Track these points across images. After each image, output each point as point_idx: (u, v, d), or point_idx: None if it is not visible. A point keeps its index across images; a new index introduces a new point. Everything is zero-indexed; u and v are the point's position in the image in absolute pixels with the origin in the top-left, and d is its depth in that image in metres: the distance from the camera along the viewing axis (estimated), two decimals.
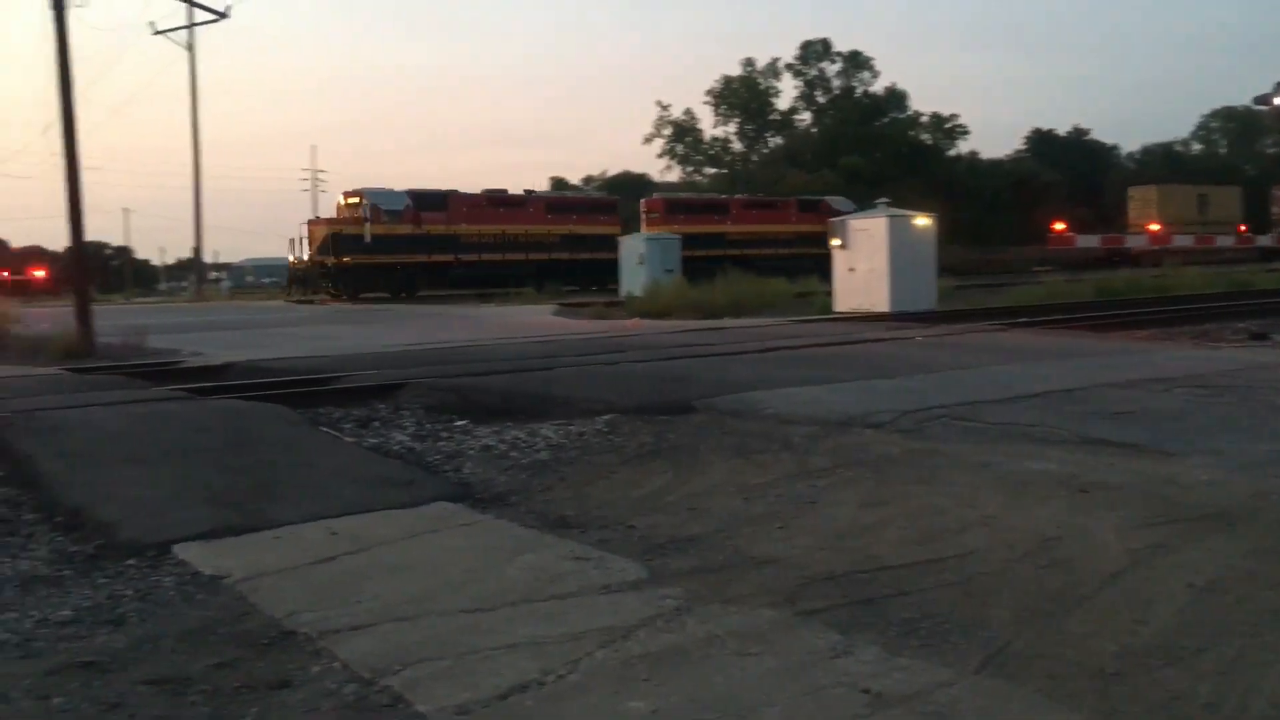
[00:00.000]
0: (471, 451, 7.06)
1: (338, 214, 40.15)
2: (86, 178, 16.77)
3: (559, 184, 68.36)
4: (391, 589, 4.13)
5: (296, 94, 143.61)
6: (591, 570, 4.31)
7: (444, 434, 7.72)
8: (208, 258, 45.74)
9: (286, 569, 4.47)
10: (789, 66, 70.29)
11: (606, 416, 7.87)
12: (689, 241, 45.15)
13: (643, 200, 49.48)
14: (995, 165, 75.61)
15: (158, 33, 44.01)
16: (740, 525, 5.00)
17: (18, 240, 58.71)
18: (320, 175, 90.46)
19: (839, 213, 60.05)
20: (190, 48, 44.48)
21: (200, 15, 43.44)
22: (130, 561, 4.68)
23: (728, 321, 18.89)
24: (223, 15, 42.76)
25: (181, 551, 4.73)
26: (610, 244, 41.81)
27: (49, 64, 16.08)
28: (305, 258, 39.12)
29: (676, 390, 8.95)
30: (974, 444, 6.58)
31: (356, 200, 39.07)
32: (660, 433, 7.31)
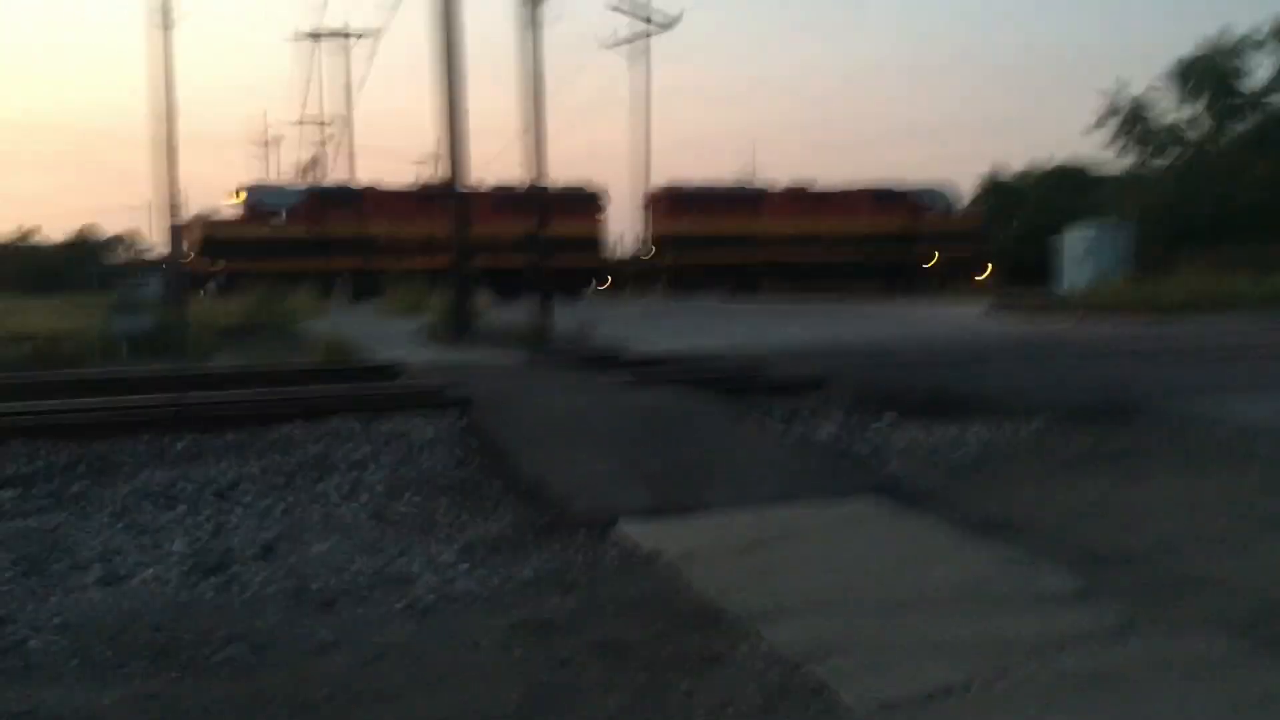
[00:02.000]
0: (897, 448, 7.01)
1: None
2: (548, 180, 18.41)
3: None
4: (815, 579, 4.21)
5: (734, 95, 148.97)
6: (1021, 577, 4.15)
7: (869, 429, 7.71)
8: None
9: (716, 551, 4.68)
10: (1263, 41, 62.44)
11: (1040, 418, 7.51)
12: (702, 244, 40.89)
13: (644, 192, 43.09)
14: None
15: (610, 45, 47.39)
16: (1189, 543, 4.60)
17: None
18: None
19: (930, 207, 44.75)
20: (643, 55, 47.40)
21: (647, 26, 46.16)
22: (579, 533, 5.12)
23: (1180, 320, 17.31)
24: (670, 24, 45.23)
25: (623, 527, 5.10)
26: (590, 246, 37.66)
27: (521, 78, 17.82)
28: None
29: (1119, 393, 8.35)
30: None
31: (241, 198, 36.53)
32: (1099, 438, 6.86)
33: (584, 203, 40.47)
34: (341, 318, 23.69)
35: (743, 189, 44.24)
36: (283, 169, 61.44)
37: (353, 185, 41.61)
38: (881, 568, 4.33)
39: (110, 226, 72.72)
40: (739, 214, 42.43)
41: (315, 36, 47.59)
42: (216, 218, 37.63)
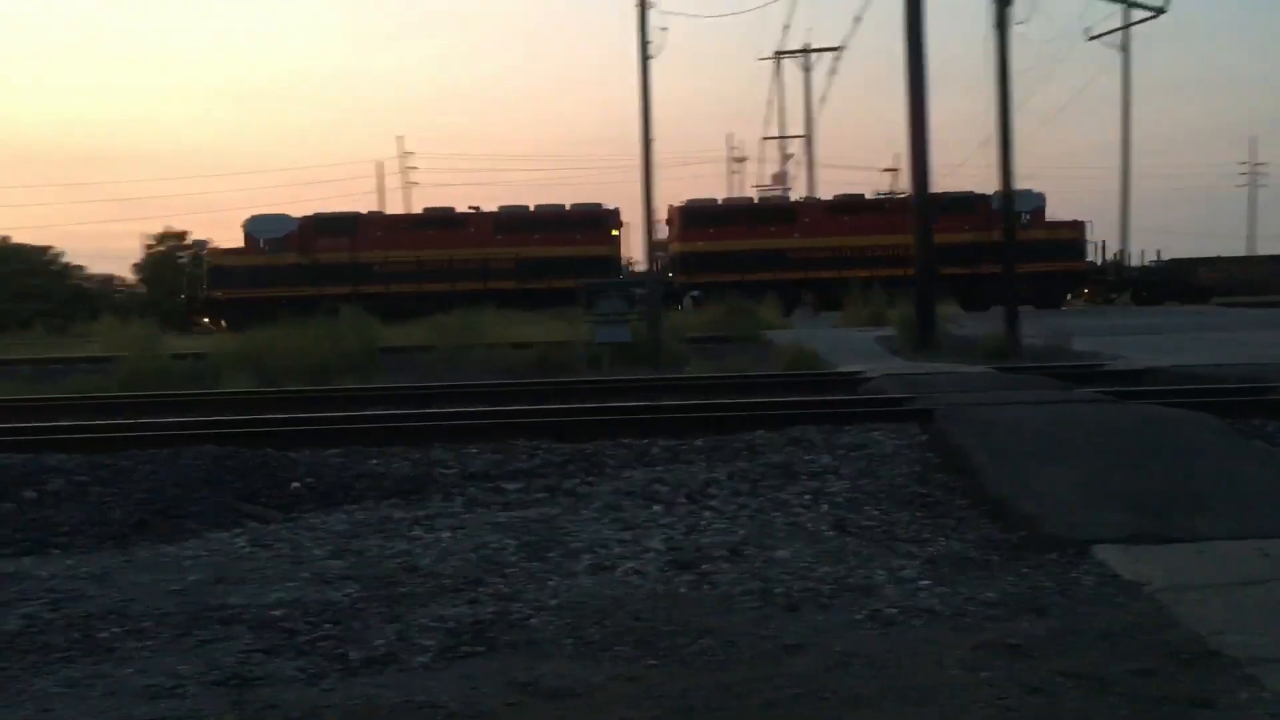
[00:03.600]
0: None
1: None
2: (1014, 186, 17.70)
3: None
4: None
5: (1230, 85, 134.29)
6: None
7: None
8: (1134, 259, 44.99)
9: (1210, 585, 4.25)
10: None
11: None
12: (723, 262, 36.86)
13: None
14: None
15: (1092, 38, 44.59)
16: None
17: None
18: (1260, 169, 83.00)
19: (1020, 214, 35.39)
20: (1124, 49, 44.22)
21: (1135, 15, 42.90)
22: (1050, 555, 4.85)
23: None
24: (1159, 11, 41.75)
25: (1100, 553, 4.77)
26: (601, 267, 34.78)
27: (988, 82, 17.28)
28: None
29: None
30: None
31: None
32: None
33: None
34: (804, 330, 24.20)
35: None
36: (746, 186, 63.92)
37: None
38: None
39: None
40: None
41: (779, 56, 49.08)
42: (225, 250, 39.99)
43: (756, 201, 42.45)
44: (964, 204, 38.76)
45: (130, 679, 3.65)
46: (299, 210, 41.83)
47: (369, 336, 18.58)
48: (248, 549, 5.56)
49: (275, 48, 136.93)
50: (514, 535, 5.55)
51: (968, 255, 36.73)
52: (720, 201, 41.92)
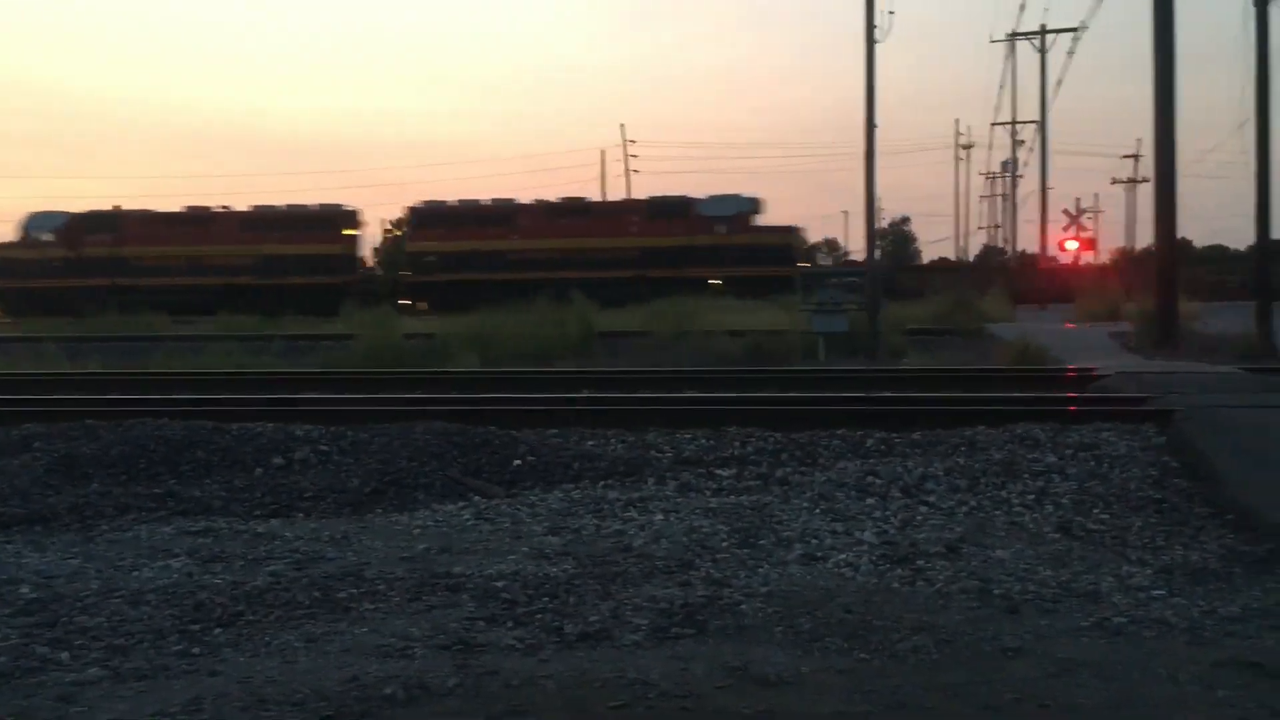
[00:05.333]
0: None
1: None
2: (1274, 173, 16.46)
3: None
4: None
5: None
6: None
7: None
8: None
9: None
10: None
11: None
12: (451, 263, 37.99)
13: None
14: None
15: None
16: None
17: (1201, 240, 60.01)
18: None
19: (719, 218, 38.24)
20: None
21: None
22: None
23: None
24: None
25: None
26: (335, 265, 36.76)
27: (1246, 63, 16.11)
28: None
29: None
30: None
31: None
32: None
33: None
34: (1030, 324, 23.23)
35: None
36: (974, 173, 61.79)
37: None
38: None
39: (814, 233, 78.36)
40: None
41: (1013, 37, 47.07)
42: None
43: (484, 203, 42.38)
44: (679, 208, 39.66)
45: (365, 638, 3.88)
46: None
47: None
48: (472, 521, 5.80)
49: (518, 41, 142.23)
50: (725, 521, 5.58)
51: (676, 258, 37.74)
52: (451, 203, 42.15)
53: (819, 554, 4.99)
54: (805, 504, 5.98)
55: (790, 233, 42.34)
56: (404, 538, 5.44)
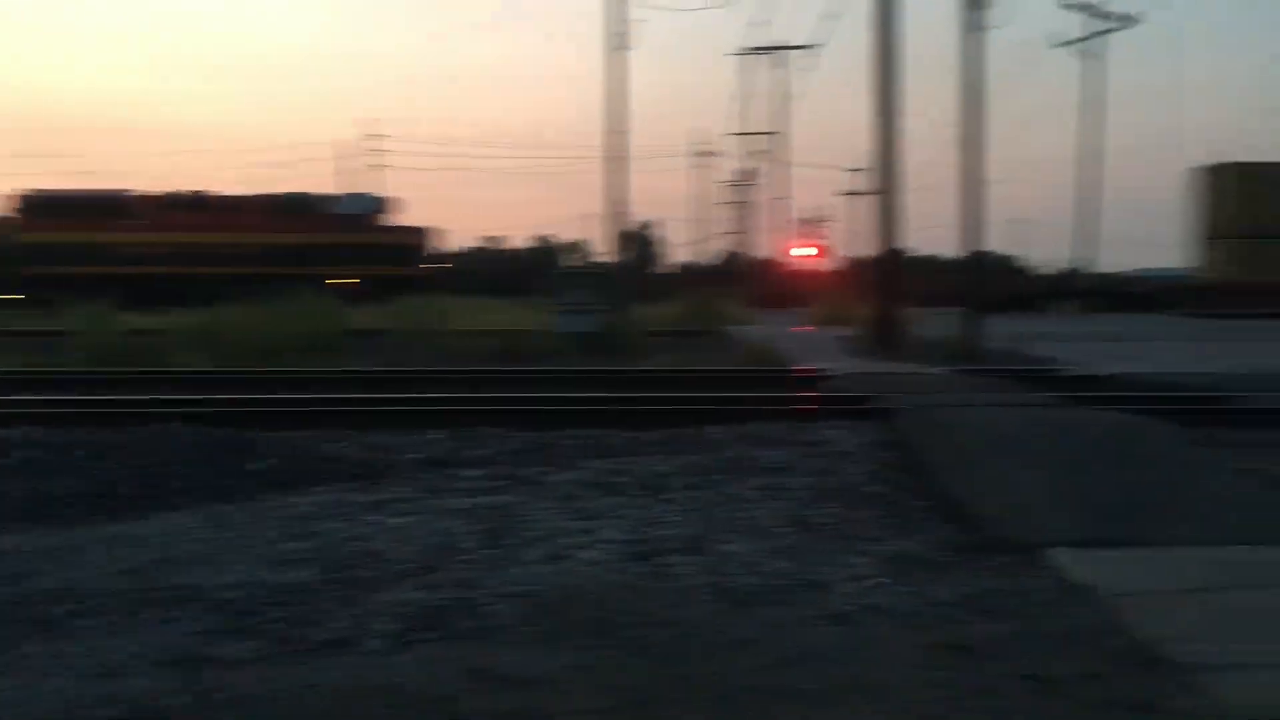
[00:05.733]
0: None
1: None
2: (989, 192, 17.83)
3: None
4: (1274, 633, 3.78)
5: (1199, 93, 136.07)
6: None
7: None
8: (1102, 268, 45.19)
9: (1159, 591, 4.32)
10: None
11: None
12: (67, 255, 36.33)
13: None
14: None
15: (1058, 45, 44.92)
16: None
17: (924, 248, 64.38)
18: None
19: (344, 216, 38.07)
20: (1094, 56, 44.47)
21: (1102, 24, 43.31)
22: (1005, 558, 4.91)
23: None
24: (1128, 23, 42.14)
25: (1054, 556, 4.83)
26: None
27: (960, 85, 17.41)
28: None
29: None
30: None
31: None
32: None
33: None
34: (768, 327, 24.30)
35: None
36: (719, 181, 64.00)
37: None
38: None
39: (567, 234, 79.23)
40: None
41: (751, 51, 49.11)
42: None
43: (98, 193, 41.06)
44: (301, 205, 39.29)
45: (82, 659, 3.62)
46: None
47: None
48: (205, 529, 5.52)
49: (247, 25, 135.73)
50: (476, 521, 5.55)
51: (298, 256, 37.04)
52: (65, 191, 40.94)
53: (565, 553, 5.04)
54: (552, 503, 6.02)
55: (416, 233, 41.81)
56: (131, 547, 5.11)
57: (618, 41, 20.13)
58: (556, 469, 6.98)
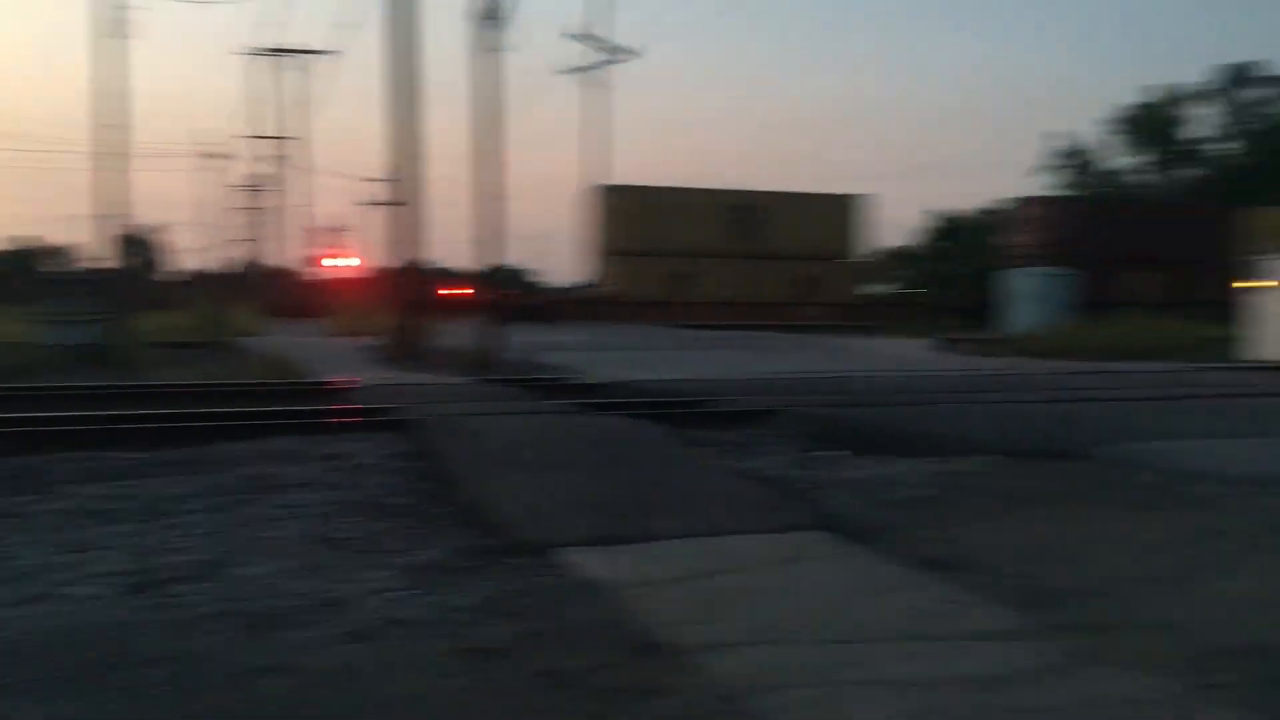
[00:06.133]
0: (843, 483, 7.07)
1: None
2: (506, 207, 18.39)
3: None
4: (757, 612, 4.22)
5: (700, 123, 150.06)
6: (961, 614, 4.19)
7: (814, 463, 7.77)
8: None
9: (658, 581, 4.68)
10: (1204, 92, 63.69)
11: (986, 457, 7.62)
12: None
13: None
14: None
15: (563, 71, 47.36)
16: (1126, 585, 4.68)
17: (450, 260, 65.13)
18: None
19: None
20: (601, 84, 47.32)
21: (604, 55, 46.22)
22: (522, 560, 5.08)
23: (1119, 364, 17.68)
24: (629, 56, 45.33)
25: (567, 555, 5.08)
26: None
27: (474, 102, 17.86)
28: None
29: (1063, 434, 8.50)
30: None
31: None
32: (1043, 479, 6.98)
33: None
34: (285, 337, 23.44)
35: None
36: (232, 185, 60.74)
37: None
38: (823, 603, 4.36)
39: (53, 237, 71.45)
40: None
41: (265, 53, 47.29)
42: None
43: None
44: None
45: None
46: None
47: None
48: None
49: None
50: None
51: None
52: None
53: (58, 590, 4.53)
54: (41, 536, 5.40)
55: None
56: None
57: (112, 28, 18.48)
58: (45, 498, 6.27)
